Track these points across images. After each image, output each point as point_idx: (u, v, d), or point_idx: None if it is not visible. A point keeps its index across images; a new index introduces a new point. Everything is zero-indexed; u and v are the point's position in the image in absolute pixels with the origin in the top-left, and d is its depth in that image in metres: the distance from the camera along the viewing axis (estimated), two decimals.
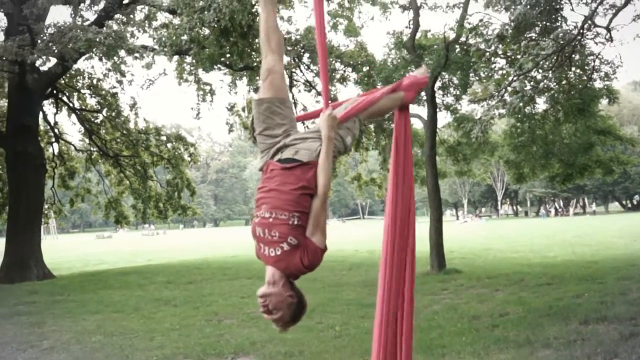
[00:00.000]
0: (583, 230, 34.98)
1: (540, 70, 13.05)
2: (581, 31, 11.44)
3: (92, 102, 25.61)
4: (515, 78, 11.48)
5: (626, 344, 6.65)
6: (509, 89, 12.03)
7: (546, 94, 15.41)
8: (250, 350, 7.70)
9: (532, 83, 13.04)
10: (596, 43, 12.84)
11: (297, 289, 3.61)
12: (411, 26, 17.03)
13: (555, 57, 11.67)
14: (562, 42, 10.88)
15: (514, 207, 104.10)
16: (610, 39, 12.05)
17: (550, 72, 13.22)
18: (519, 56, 13.41)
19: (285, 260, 3.46)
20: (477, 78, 16.78)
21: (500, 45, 14.20)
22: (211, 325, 9.73)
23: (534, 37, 12.87)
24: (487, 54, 15.04)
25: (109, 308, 12.30)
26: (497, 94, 12.24)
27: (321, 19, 4.10)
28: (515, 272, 14.68)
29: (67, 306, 12.87)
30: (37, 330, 9.97)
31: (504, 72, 15.43)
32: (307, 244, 3.45)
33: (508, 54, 15.26)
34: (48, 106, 24.42)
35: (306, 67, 21.58)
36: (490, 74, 16.01)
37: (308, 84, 21.87)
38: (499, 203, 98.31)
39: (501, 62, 16.05)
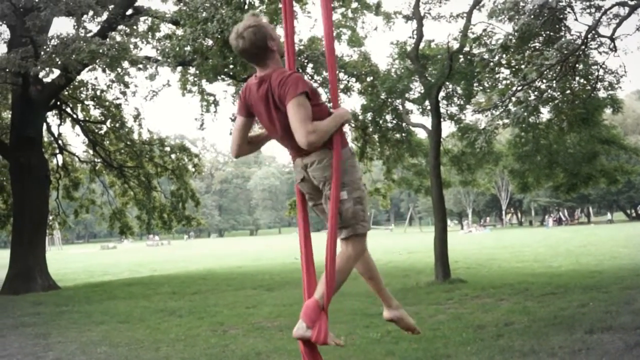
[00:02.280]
0: (587, 239, 34.90)
1: (544, 80, 13.06)
2: (585, 41, 11.44)
3: (95, 113, 25.67)
4: (519, 88, 11.49)
5: (631, 354, 6.64)
6: (513, 99, 12.03)
7: (550, 103, 15.41)
8: None
9: (536, 93, 13.05)
10: (600, 53, 12.86)
11: None
12: (415, 36, 17.07)
13: (559, 67, 11.68)
14: (565, 52, 10.89)
15: (518, 217, 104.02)
16: (614, 49, 12.06)
17: (554, 82, 13.23)
18: (522, 66, 13.42)
19: None
20: (481, 88, 16.79)
21: (504, 55, 14.21)
22: (216, 336, 9.73)
23: (537, 47, 12.89)
24: (491, 64, 15.05)
25: (114, 319, 12.29)
26: (501, 104, 12.24)
27: (329, 24, 4.21)
28: (519, 282, 14.66)
29: (72, 317, 12.86)
30: (42, 342, 9.95)
31: (508, 82, 15.44)
32: None
33: (512, 64, 15.28)
34: (52, 117, 24.49)
35: (310, 77, 21.61)
36: (494, 84, 16.03)
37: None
38: (504, 212, 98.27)
39: (505, 72, 16.07)
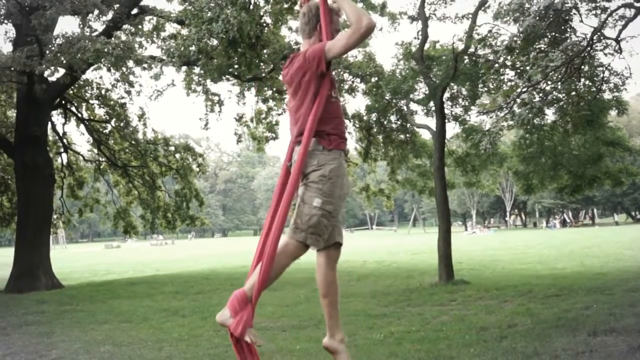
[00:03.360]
0: (592, 241, 34.85)
1: (549, 82, 13.03)
2: (591, 43, 11.43)
3: (100, 112, 25.74)
4: (524, 90, 11.47)
5: (635, 356, 6.61)
6: (518, 100, 12.02)
7: (555, 105, 15.39)
8: None
9: (540, 95, 13.03)
10: (605, 55, 12.83)
11: None
12: (420, 37, 17.06)
13: (564, 69, 11.66)
14: (571, 53, 10.87)
15: (522, 218, 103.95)
16: (620, 51, 12.03)
17: (559, 83, 13.21)
18: (528, 68, 13.40)
19: None
20: (485, 89, 16.78)
21: (509, 57, 14.20)
22: (219, 336, 9.71)
23: (543, 49, 12.87)
24: (496, 65, 15.04)
25: (118, 318, 12.30)
26: (505, 105, 12.23)
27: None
28: (523, 284, 14.64)
29: (75, 316, 12.87)
30: (45, 340, 9.95)
31: (513, 83, 15.43)
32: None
33: (517, 66, 15.27)
34: (57, 116, 24.55)
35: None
36: (499, 86, 16.01)
37: None
38: (508, 214, 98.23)
39: (510, 73, 16.06)
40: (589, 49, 11.68)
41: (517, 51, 13.13)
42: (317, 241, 4.12)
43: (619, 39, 11.83)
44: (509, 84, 15.82)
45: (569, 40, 11.59)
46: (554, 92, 14.36)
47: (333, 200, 4.09)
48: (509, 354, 7.11)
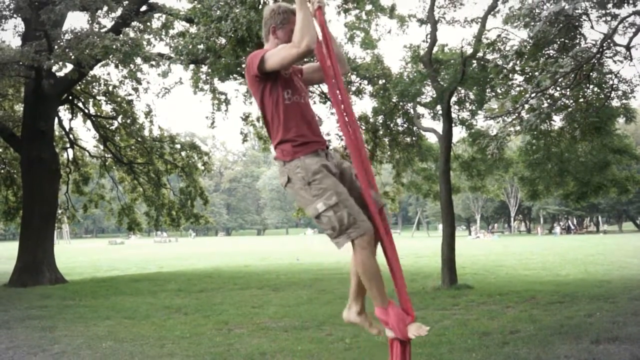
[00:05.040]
0: (596, 249, 34.82)
1: (558, 88, 13.01)
2: (601, 49, 11.40)
3: (107, 108, 25.78)
4: (532, 95, 11.44)
5: None
6: (526, 106, 11.98)
7: (563, 111, 15.36)
8: None
9: (549, 100, 13.00)
10: (615, 62, 12.79)
11: None
12: (428, 40, 17.04)
13: (573, 75, 11.64)
14: (580, 60, 10.84)
15: (527, 224, 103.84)
16: (630, 58, 11.99)
17: (568, 90, 13.18)
18: (537, 73, 13.37)
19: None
20: (493, 94, 16.75)
21: (518, 62, 14.17)
22: (221, 335, 9.74)
23: (552, 55, 12.84)
24: (505, 70, 15.01)
25: (120, 314, 12.33)
26: (513, 110, 12.20)
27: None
28: (527, 290, 14.62)
29: (78, 311, 12.91)
30: (48, 335, 9.99)
31: (522, 89, 15.39)
32: None
33: (526, 71, 15.23)
34: (63, 112, 24.61)
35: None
36: (507, 91, 15.98)
37: (324, 96, 21.91)
38: (512, 219, 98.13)
39: (519, 79, 16.02)
40: (598, 55, 11.65)
41: (527, 56, 13.10)
42: (356, 230, 3.95)
43: (630, 46, 11.80)
44: (517, 89, 15.78)
45: (578, 47, 11.57)
46: (562, 99, 14.34)
47: (329, 191, 3.95)
48: (510, 359, 7.10)
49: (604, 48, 11.76)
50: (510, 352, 7.49)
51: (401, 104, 19.00)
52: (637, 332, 8.34)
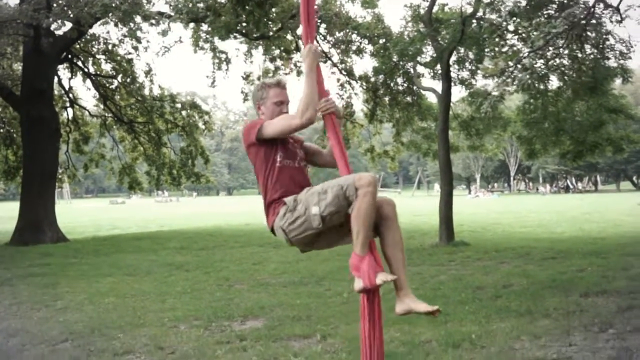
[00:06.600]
0: (593, 207, 34.96)
1: (551, 48, 13.06)
2: (592, 10, 11.45)
3: (107, 67, 25.78)
4: (525, 55, 11.52)
5: (622, 316, 6.81)
6: (519, 66, 12.05)
7: (556, 71, 15.40)
8: (259, 314, 7.88)
9: (542, 60, 13.07)
10: (612, 22, 12.83)
11: None
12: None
13: (565, 36, 11.70)
14: (573, 21, 10.90)
15: (526, 183, 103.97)
16: (620, 19, 12.04)
17: (560, 49, 13.25)
18: (535, 33, 13.41)
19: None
20: (492, 54, 16.78)
21: (513, 22, 14.19)
22: (222, 290, 9.93)
23: (551, 15, 12.86)
24: (498, 30, 15.04)
25: (122, 271, 12.52)
26: (505, 69, 12.28)
27: None
28: (522, 246, 14.82)
29: (80, 269, 13.10)
30: (51, 291, 10.18)
31: (517, 48, 15.44)
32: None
33: (519, 32, 15.26)
34: (63, 71, 24.61)
35: (322, 38, 21.63)
36: (501, 51, 16.02)
37: (324, 55, 21.93)
38: (512, 179, 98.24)
39: (514, 39, 16.05)
40: (589, 16, 11.69)
41: (520, 17, 13.13)
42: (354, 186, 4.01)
43: (619, 7, 11.84)
44: (513, 48, 15.83)
45: (570, 8, 11.61)
46: (558, 59, 14.38)
47: (316, 198, 3.93)
48: (502, 311, 7.31)
49: (594, 9, 11.82)
50: (502, 305, 7.70)
51: (401, 63, 19.04)
52: (625, 286, 8.56)
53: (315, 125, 4.54)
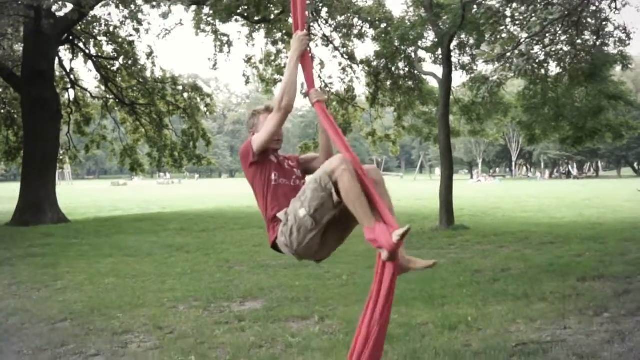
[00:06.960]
0: (594, 193, 34.98)
1: (548, 35, 13.06)
2: None
3: (108, 49, 25.76)
4: (522, 41, 11.52)
5: (618, 300, 6.87)
6: (516, 51, 12.06)
7: (554, 57, 15.39)
8: (259, 295, 7.95)
9: (539, 46, 13.06)
10: (611, 9, 12.82)
11: None
12: None
13: (562, 22, 11.70)
14: (569, 7, 10.89)
15: (528, 168, 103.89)
16: (616, 7, 12.03)
17: (557, 35, 13.24)
18: (533, 18, 13.41)
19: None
20: (493, 39, 16.77)
21: (510, 7, 14.17)
22: (222, 271, 10.00)
23: (543, 2, 12.84)
24: (496, 16, 15.01)
25: (122, 252, 12.60)
26: (503, 55, 12.28)
27: None
28: (521, 231, 14.90)
29: (81, 249, 13.18)
30: (51, 271, 10.25)
31: (513, 35, 15.43)
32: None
33: (516, 17, 15.24)
34: (64, 52, 24.61)
35: (324, 22, 21.61)
36: (500, 36, 16.01)
37: (325, 39, 21.92)
38: (514, 164, 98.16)
39: (511, 25, 16.03)
40: (585, 2, 11.68)
41: (517, 2, 13.10)
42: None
43: None
44: (509, 34, 15.82)
45: None
46: (555, 45, 14.37)
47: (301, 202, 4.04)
48: (499, 295, 7.38)
49: None
50: (499, 288, 7.76)
51: (402, 48, 19.04)
52: (622, 271, 8.62)
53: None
